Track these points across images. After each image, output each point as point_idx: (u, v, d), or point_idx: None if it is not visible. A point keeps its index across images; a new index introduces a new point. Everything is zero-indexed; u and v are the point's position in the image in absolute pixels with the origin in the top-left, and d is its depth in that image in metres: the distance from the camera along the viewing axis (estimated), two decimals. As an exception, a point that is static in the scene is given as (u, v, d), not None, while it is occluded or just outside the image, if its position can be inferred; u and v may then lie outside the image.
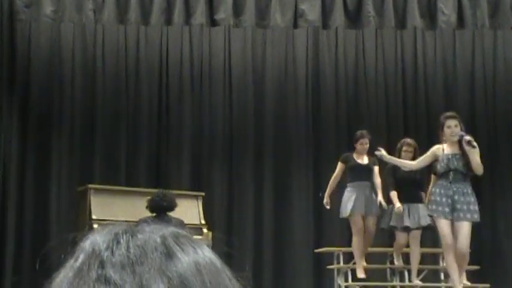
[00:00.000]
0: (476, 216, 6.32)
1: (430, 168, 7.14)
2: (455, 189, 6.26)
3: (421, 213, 7.29)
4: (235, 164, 9.91)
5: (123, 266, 0.60)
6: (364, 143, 7.87)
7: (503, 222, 9.60)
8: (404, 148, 7.56)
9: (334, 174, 7.96)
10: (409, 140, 7.72)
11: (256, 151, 9.94)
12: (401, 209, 7.33)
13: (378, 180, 7.67)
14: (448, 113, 6.65)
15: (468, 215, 6.26)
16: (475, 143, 6.28)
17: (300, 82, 10.18)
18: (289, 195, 9.82)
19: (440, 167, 6.44)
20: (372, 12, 10.17)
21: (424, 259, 8.54)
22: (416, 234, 7.51)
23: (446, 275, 8.51)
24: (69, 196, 9.15)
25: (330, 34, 10.29)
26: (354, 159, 7.85)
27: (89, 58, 9.90)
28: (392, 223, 7.54)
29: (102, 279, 0.59)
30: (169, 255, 0.61)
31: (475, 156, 6.30)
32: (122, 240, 0.62)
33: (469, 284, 6.94)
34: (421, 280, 8.22)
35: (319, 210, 9.59)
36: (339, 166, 7.94)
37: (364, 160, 7.84)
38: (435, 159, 6.54)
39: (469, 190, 6.31)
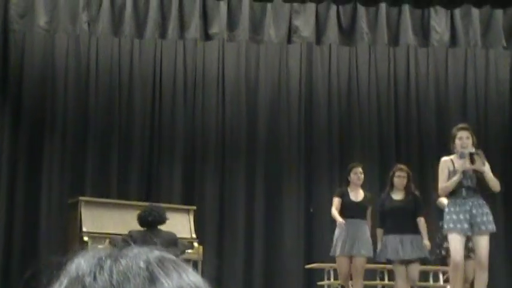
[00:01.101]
0: (493, 227, 6.13)
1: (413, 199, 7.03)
2: (471, 203, 6.08)
3: (415, 245, 6.95)
4: (227, 178, 9.90)
5: (105, 292, 0.59)
6: (358, 172, 7.33)
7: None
8: (397, 174, 7.12)
9: (334, 208, 7.26)
10: (401, 166, 7.30)
11: (249, 166, 9.93)
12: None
13: (369, 221, 7.26)
14: (461, 125, 6.43)
15: (489, 226, 6.07)
16: (479, 159, 6.11)
17: (293, 97, 10.20)
18: (280, 210, 9.81)
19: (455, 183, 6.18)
20: (365, 28, 10.22)
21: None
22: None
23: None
24: (60, 209, 9.10)
25: (323, 50, 10.33)
26: (348, 195, 7.29)
27: (82, 70, 9.89)
28: (388, 256, 7.05)
29: (85, 305, 0.59)
30: (152, 280, 0.61)
31: (487, 172, 6.15)
32: (105, 266, 0.61)
33: None
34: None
35: (310, 226, 9.59)
36: (336, 200, 7.29)
37: (359, 197, 7.31)
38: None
39: (482, 201, 6.15)
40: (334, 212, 7.18)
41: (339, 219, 7.05)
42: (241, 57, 10.21)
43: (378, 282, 8.48)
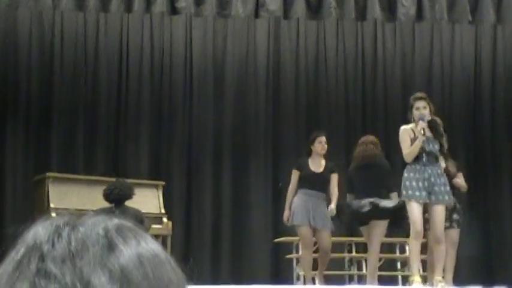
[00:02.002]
0: (450, 199, 6.19)
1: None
2: (430, 171, 6.10)
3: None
4: (194, 153, 9.89)
5: (63, 259, 0.59)
6: (323, 141, 7.06)
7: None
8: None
9: (291, 186, 7.09)
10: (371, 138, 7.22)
11: (216, 140, 9.93)
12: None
13: (334, 190, 6.95)
14: (418, 94, 6.49)
15: (446, 197, 6.10)
16: (436, 131, 6.17)
17: (260, 72, 10.19)
18: (247, 184, 9.85)
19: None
20: (333, 3, 10.22)
21: (381, 249, 8.66)
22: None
23: (403, 264, 8.65)
24: (26, 186, 9.00)
25: (291, 24, 10.32)
26: (308, 166, 7.03)
27: (46, 46, 9.73)
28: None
29: (42, 272, 0.59)
30: (111, 247, 0.61)
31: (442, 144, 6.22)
32: (63, 233, 0.61)
33: (442, 281, 6.27)
34: (378, 269, 8.33)
35: (277, 200, 9.64)
36: (294, 174, 7.09)
37: (320, 167, 7.03)
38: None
39: (441, 171, 6.19)
40: (289, 194, 7.08)
41: (286, 211, 7.03)
42: (209, 32, 10.15)
43: (346, 272, 8.49)
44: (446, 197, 6.12)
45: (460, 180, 7.06)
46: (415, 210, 6.07)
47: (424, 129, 6.14)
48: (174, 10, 10.07)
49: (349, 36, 10.39)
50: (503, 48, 10.57)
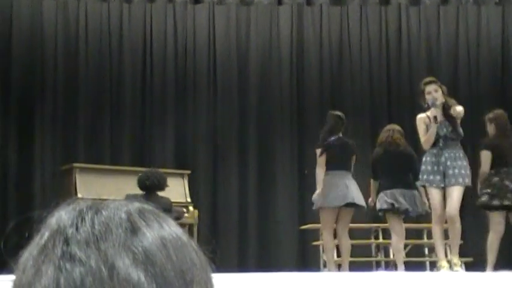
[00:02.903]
0: (468, 180, 6.18)
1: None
2: (446, 155, 6.13)
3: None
4: (220, 141, 9.92)
5: (87, 243, 0.60)
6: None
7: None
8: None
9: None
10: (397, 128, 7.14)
11: (241, 128, 9.95)
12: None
13: None
14: (427, 79, 6.45)
15: (460, 179, 6.11)
16: (436, 119, 6.14)
17: (284, 59, 10.17)
18: (273, 172, 9.85)
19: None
20: (356, -12, 10.15)
21: (407, 234, 8.62)
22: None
23: (430, 250, 8.61)
24: (53, 176, 9.11)
25: (314, 10, 10.26)
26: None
27: (71, 36, 9.81)
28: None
29: (67, 255, 0.59)
30: (134, 230, 0.61)
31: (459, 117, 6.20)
32: (86, 217, 0.62)
33: (460, 267, 6.38)
34: (405, 255, 8.30)
35: (303, 187, 9.64)
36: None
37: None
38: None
39: (461, 154, 6.20)
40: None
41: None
42: (231, 19, 10.14)
43: (373, 258, 8.45)
44: (460, 179, 6.12)
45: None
46: (434, 195, 6.15)
47: (435, 116, 6.10)
48: (196, -1, 10.08)
49: (372, 21, 10.31)
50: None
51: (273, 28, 10.21)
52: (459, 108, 6.26)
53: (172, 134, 9.85)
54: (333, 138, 6.85)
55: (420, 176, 6.22)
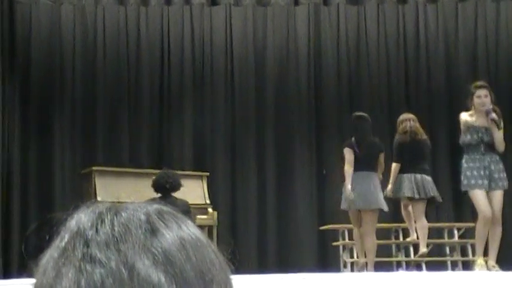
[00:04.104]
0: (507, 184, 6.32)
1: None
2: (489, 159, 6.23)
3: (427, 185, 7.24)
4: (238, 143, 9.93)
5: (107, 244, 0.60)
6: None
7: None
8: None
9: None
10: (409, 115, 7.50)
11: (259, 129, 9.95)
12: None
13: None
14: (479, 83, 6.53)
15: (503, 183, 6.26)
16: (498, 122, 6.20)
17: (301, 59, 10.15)
18: (292, 172, 9.84)
19: (472, 138, 6.28)
20: (373, -13, 10.11)
21: (429, 234, 8.56)
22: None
23: (452, 249, 8.55)
24: (73, 179, 9.18)
25: (331, 10, 10.24)
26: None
27: (89, 40, 9.88)
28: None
29: (88, 257, 0.60)
30: (153, 231, 0.61)
31: (498, 133, 6.25)
32: (106, 219, 0.62)
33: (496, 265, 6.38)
34: (427, 255, 8.25)
35: (322, 187, 9.62)
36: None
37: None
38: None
39: (498, 157, 6.32)
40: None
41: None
42: (249, 21, 10.15)
43: (394, 258, 8.43)
44: (505, 183, 6.30)
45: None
46: (479, 197, 6.21)
47: (494, 120, 6.18)
48: (213, 1, 10.11)
49: (390, 19, 10.26)
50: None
51: (290, 28, 10.20)
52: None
53: (190, 135, 9.88)
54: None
55: (466, 181, 6.29)
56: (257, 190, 9.79)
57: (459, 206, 9.26)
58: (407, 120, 7.35)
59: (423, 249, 7.34)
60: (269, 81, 10.10)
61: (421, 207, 7.25)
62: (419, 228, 7.42)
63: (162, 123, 9.92)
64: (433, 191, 7.20)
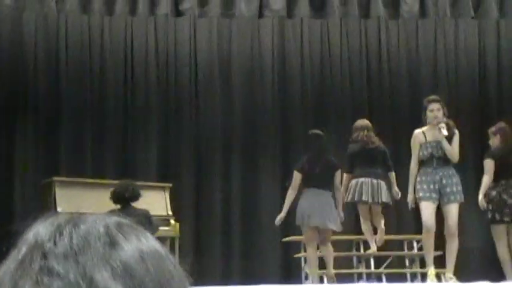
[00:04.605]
0: (461, 197, 6.37)
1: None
2: (441, 173, 6.30)
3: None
4: (202, 153, 9.90)
5: (66, 257, 0.60)
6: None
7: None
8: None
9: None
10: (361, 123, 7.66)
11: (224, 141, 9.94)
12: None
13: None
14: (431, 97, 6.62)
15: (457, 196, 6.32)
16: (444, 132, 6.30)
17: (266, 71, 10.20)
18: (256, 185, 9.85)
19: (423, 154, 6.39)
20: (336, 1, 10.23)
21: (389, 246, 8.65)
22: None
23: (411, 261, 8.64)
24: (35, 190, 9.03)
25: (295, 23, 10.32)
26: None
27: (52, 49, 9.77)
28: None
29: (45, 270, 0.59)
30: (112, 244, 0.62)
31: (452, 143, 6.34)
32: (64, 231, 0.62)
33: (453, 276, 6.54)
34: (386, 267, 8.34)
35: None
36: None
37: None
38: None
39: (453, 171, 6.39)
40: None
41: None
42: (213, 32, 10.17)
43: (355, 270, 8.51)
44: (458, 197, 6.35)
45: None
46: (425, 209, 6.31)
47: (442, 129, 6.29)
48: (178, 12, 10.10)
49: (353, 34, 10.39)
50: (507, 43, 10.55)
51: (255, 40, 10.25)
52: (455, 138, 6.39)
53: (155, 147, 9.82)
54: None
55: (417, 195, 6.39)
56: (221, 202, 9.77)
57: (420, 218, 9.36)
58: (361, 130, 7.46)
59: (373, 248, 7.64)
60: (234, 93, 10.12)
61: (379, 211, 7.45)
62: (379, 231, 7.62)
63: (126, 134, 9.84)
64: (385, 197, 7.31)
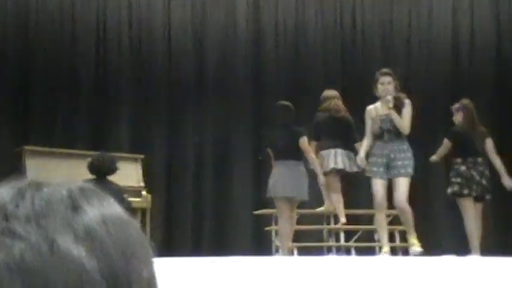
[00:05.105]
0: (410, 170, 6.38)
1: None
2: (391, 147, 6.35)
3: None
4: (175, 126, 9.88)
5: (28, 219, 0.60)
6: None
7: (434, 181, 9.79)
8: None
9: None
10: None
11: (197, 114, 9.92)
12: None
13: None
14: (383, 70, 6.61)
15: (403, 170, 6.34)
16: (390, 105, 6.33)
17: (240, 44, 10.17)
18: (229, 157, 9.87)
19: (374, 128, 6.47)
20: (311, -25, 10.20)
21: (359, 220, 8.77)
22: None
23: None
24: (5, 159, 8.94)
25: (270, -4, 10.28)
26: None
27: (21, 16, 9.61)
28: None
29: (7, 231, 0.60)
30: (74, 207, 0.62)
31: (402, 115, 6.36)
32: (26, 194, 0.62)
33: (418, 247, 6.59)
34: (356, 241, 8.45)
35: (258, 173, 9.68)
36: None
37: None
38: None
39: (405, 146, 6.40)
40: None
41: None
42: (187, 4, 10.08)
43: (325, 243, 8.59)
44: (403, 170, 6.36)
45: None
46: (374, 185, 6.42)
47: (388, 103, 6.30)
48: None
49: (328, 7, 10.38)
50: (479, 19, 10.65)
51: (229, 14, 10.18)
52: (405, 111, 6.41)
53: (126, 118, 9.76)
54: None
55: (367, 167, 6.47)
56: (194, 174, 9.78)
57: (390, 194, 9.48)
58: (332, 98, 7.57)
59: (342, 220, 7.72)
60: (208, 67, 10.08)
61: (333, 180, 7.56)
62: (335, 201, 7.69)
63: (98, 104, 9.75)
64: (350, 166, 7.42)
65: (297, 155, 7.02)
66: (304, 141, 7.08)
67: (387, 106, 6.31)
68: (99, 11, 9.86)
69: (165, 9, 10.01)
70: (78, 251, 0.60)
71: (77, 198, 0.63)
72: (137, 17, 9.97)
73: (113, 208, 0.64)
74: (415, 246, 6.40)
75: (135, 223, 0.67)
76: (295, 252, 7.57)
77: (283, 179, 6.88)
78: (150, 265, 0.65)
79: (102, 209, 0.63)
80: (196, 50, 10.08)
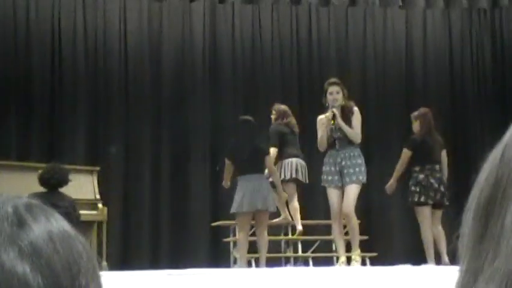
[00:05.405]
0: (362, 178, 6.43)
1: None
2: (342, 155, 6.41)
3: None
4: (131, 137, 9.80)
5: (-28, 236, 0.60)
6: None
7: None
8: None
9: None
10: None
11: (154, 124, 9.87)
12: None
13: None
14: (331, 80, 6.67)
15: (354, 178, 6.38)
16: (337, 113, 6.39)
17: (197, 56, 10.17)
18: (186, 169, 9.83)
19: (326, 138, 6.51)
20: (268, -13, 10.27)
21: (316, 231, 8.82)
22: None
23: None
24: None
25: (226, 8, 10.31)
26: None
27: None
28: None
29: (-50, 249, 0.59)
30: (20, 224, 0.62)
31: (353, 125, 6.43)
32: (-29, 211, 0.62)
33: (357, 257, 6.68)
34: (313, 251, 8.50)
35: (216, 184, 9.66)
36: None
37: None
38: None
39: (356, 153, 6.46)
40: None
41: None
42: (144, 14, 10.04)
43: (282, 254, 8.63)
44: (355, 177, 6.41)
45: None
46: (331, 195, 6.47)
47: (334, 115, 6.34)
48: (107, -8, 9.92)
49: (284, 20, 10.47)
50: (432, 32, 10.88)
51: (186, 25, 10.18)
52: (354, 120, 6.49)
53: (82, 130, 9.65)
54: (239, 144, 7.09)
55: (322, 177, 6.53)
56: (150, 185, 9.71)
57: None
58: (290, 115, 7.90)
59: (299, 227, 7.80)
60: (165, 76, 10.05)
61: (292, 189, 7.69)
62: (292, 209, 7.75)
63: (53, 116, 9.62)
64: (302, 176, 7.63)
65: (260, 168, 7.03)
66: (270, 160, 7.12)
67: (328, 118, 6.36)
68: (54, 22, 9.75)
69: (121, 19, 9.95)
70: (23, 268, 0.59)
71: (22, 215, 0.62)
72: (93, 28, 9.89)
73: (60, 224, 0.64)
74: (356, 262, 6.44)
75: (82, 238, 0.66)
76: (253, 264, 7.55)
77: (250, 194, 6.83)
78: (97, 280, 0.65)
79: (49, 225, 0.63)
80: (153, 61, 10.04)
